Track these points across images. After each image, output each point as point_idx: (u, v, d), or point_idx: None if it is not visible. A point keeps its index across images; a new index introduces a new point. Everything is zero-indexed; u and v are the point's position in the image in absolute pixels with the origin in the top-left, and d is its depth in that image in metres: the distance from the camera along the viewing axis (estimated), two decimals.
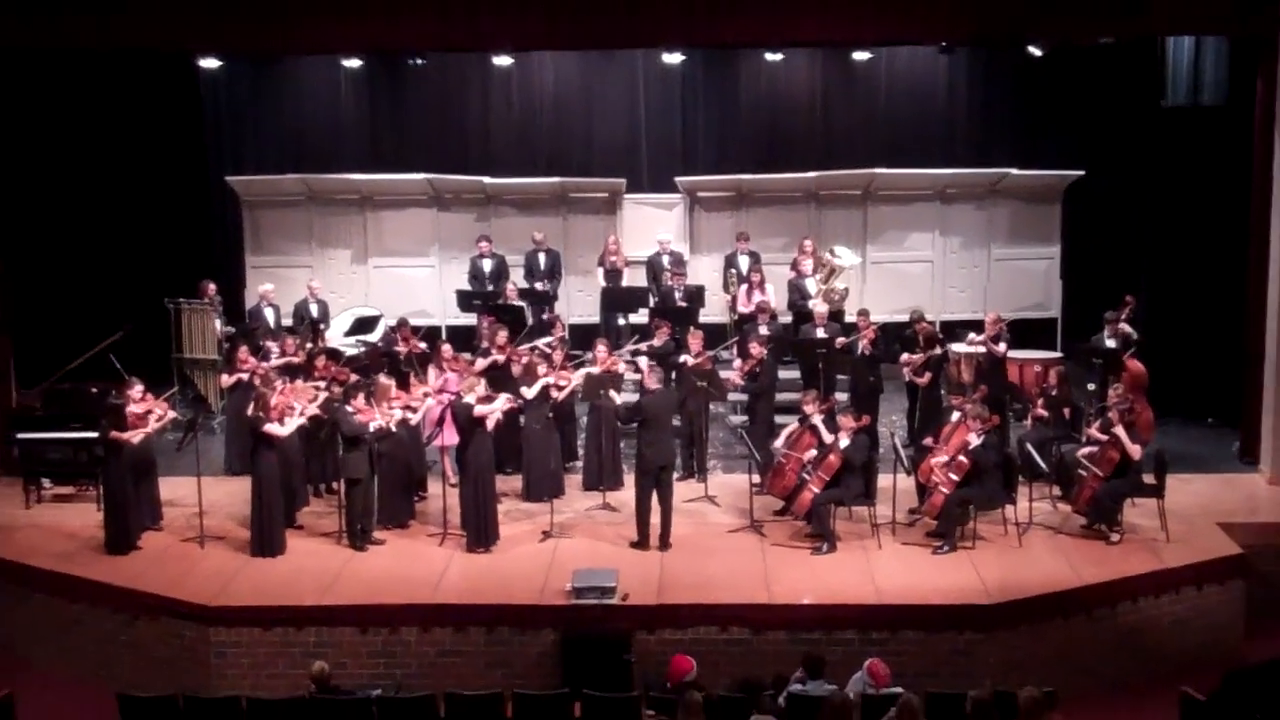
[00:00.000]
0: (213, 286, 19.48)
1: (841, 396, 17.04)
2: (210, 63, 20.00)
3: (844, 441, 14.88)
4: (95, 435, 15.77)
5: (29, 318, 18.74)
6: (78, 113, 19.61)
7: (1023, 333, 19.17)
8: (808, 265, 19.18)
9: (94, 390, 17.20)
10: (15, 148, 18.42)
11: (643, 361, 16.71)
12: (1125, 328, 17.64)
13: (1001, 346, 17.39)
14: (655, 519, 14.92)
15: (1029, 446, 15.55)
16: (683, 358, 16.80)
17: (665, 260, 19.61)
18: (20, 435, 17.10)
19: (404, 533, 15.63)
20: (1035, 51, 18.86)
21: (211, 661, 13.78)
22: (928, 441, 15.46)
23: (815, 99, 21.82)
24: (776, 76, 21.50)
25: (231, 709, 12.06)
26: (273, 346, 17.45)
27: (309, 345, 17.82)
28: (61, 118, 19.41)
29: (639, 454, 15.16)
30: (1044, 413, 16.29)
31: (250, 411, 15.10)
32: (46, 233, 19.26)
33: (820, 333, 17.71)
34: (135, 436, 15.22)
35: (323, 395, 15.82)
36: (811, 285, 18.99)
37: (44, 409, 17.32)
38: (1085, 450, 15.30)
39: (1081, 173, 20.54)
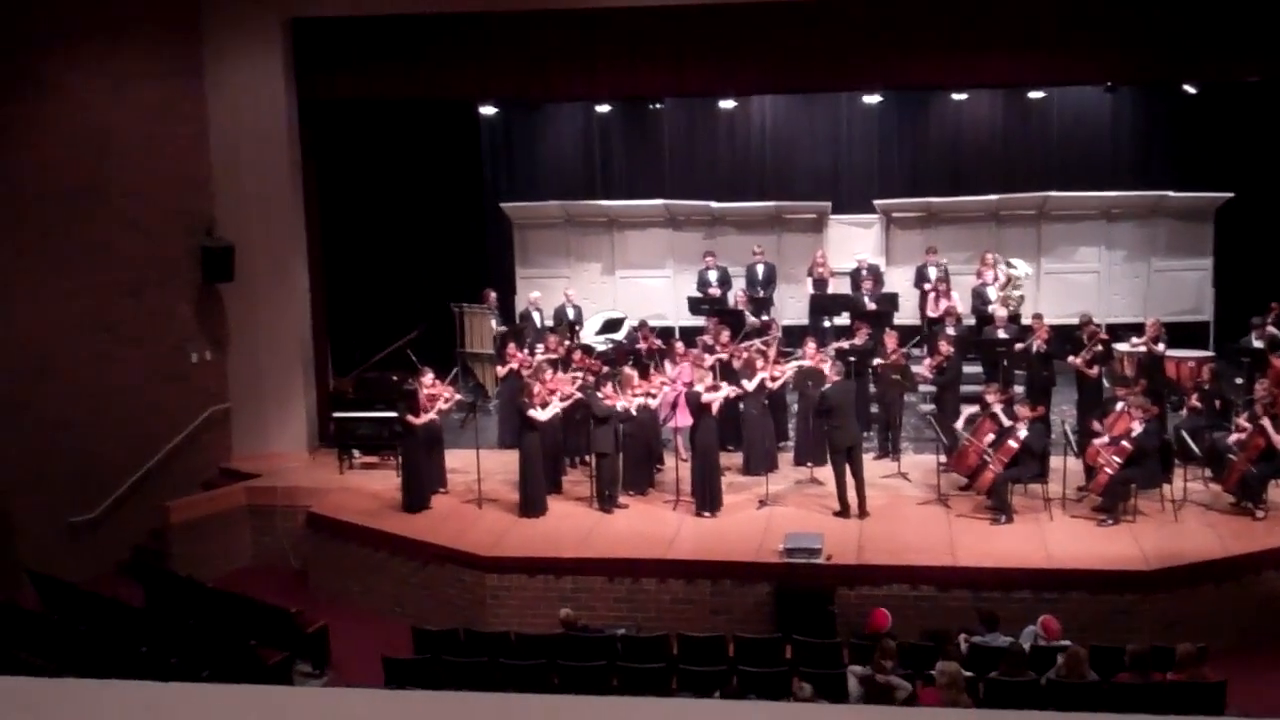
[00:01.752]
0: (493, 294, 19.74)
1: (1019, 389, 16.63)
2: (488, 109, 20.53)
3: (1022, 428, 14.54)
4: (395, 415, 16.17)
5: (344, 320, 19.25)
6: (382, 152, 20.09)
7: (1179, 334, 18.44)
8: (989, 275, 18.78)
9: (394, 378, 17.56)
10: (336, 182, 18.94)
11: (828, 357, 16.51)
12: (1271, 330, 16.99)
13: (1160, 346, 16.95)
14: (852, 492, 14.77)
15: (1184, 433, 15.02)
16: (877, 356, 16.63)
17: (863, 272, 19.33)
18: (336, 414, 17.64)
19: (644, 499, 15.69)
20: (1190, 89, 18.28)
21: (487, 602, 14.03)
22: (1095, 426, 15.02)
23: (996, 131, 21.30)
24: (961, 113, 21.06)
25: (503, 642, 12.27)
26: (537, 344, 17.66)
27: (567, 342, 18.00)
28: (370, 156, 19.91)
29: (829, 436, 15.05)
30: (1198, 404, 15.69)
31: (519, 397, 15.34)
32: (356, 250, 19.76)
33: (1000, 333, 17.39)
34: (424, 419, 15.54)
35: (578, 383, 15.98)
36: (992, 292, 18.56)
37: (355, 393, 17.76)
38: (1234, 437, 14.75)
39: (1231, 194, 19.69)
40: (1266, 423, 14.27)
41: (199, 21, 17.43)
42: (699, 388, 15.13)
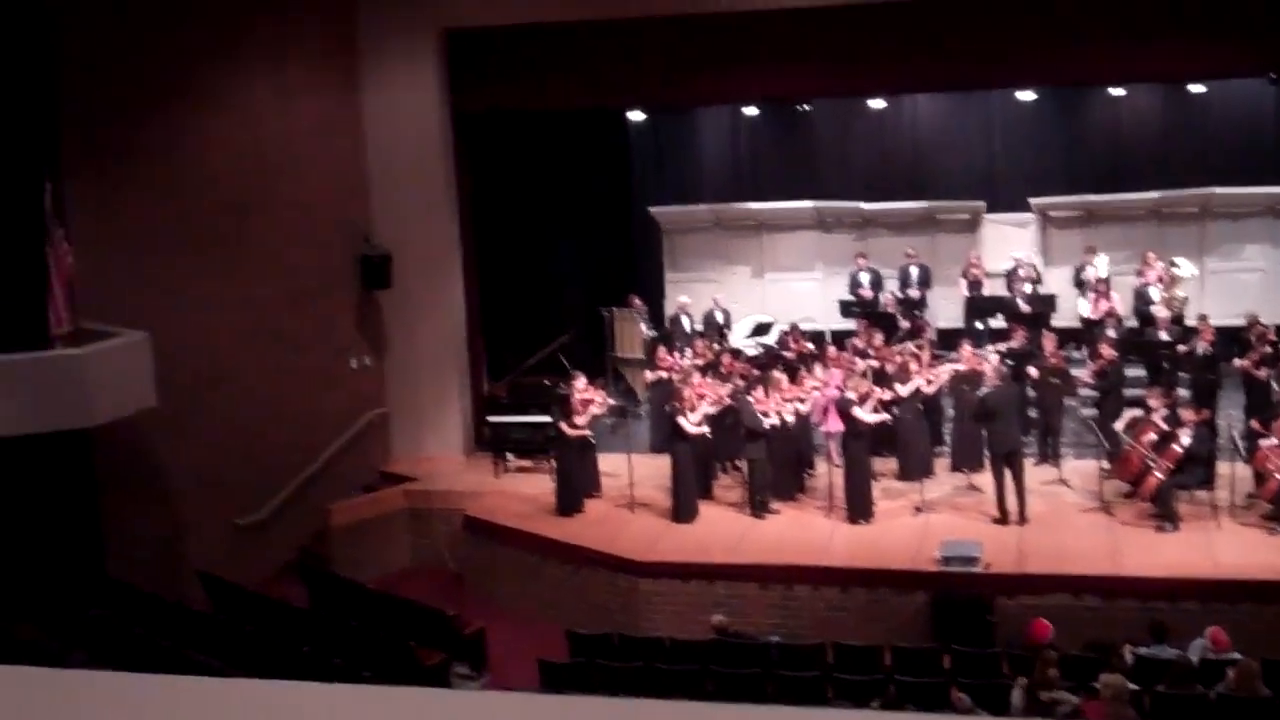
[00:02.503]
0: (638, 299, 19.80)
1: (1183, 393, 16.13)
2: (636, 115, 20.57)
3: (1186, 433, 14.11)
4: (548, 419, 16.29)
5: (497, 325, 19.47)
6: (534, 160, 20.28)
7: None
8: (1151, 275, 18.25)
9: (547, 382, 17.75)
10: (489, 190, 19.18)
11: (985, 359, 16.18)
12: None
13: None
14: (1012, 497, 14.46)
15: None
16: (1035, 359, 16.26)
17: (1019, 272, 18.93)
18: (490, 419, 17.87)
19: (796, 504, 15.59)
20: None
21: (640, 607, 14.08)
22: (1260, 427, 14.53)
23: (1155, 127, 20.63)
24: (1120, 108, 20.42)
25: (657, 647, 12.30)
26: (687, 348, 17.66)
27: (716, 346, 17.96)
28: (522, 164, 20.11)
29: (988, 442, 14.81)
30: None
31: (669, 403, 15.37)
32: (509, 257, 19.99)
33: (1163, 335, 16.92)
34: (579, 425, 15.64)
35: (728, 389, 15.92)
36: (1155, 293, 18.04)
37: (509, 398, 17.98)
38: None
39: None
40: None
41: (357, 35, 17.85)
42: (850, 394, 14.95)
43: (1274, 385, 16.12)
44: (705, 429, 15.39)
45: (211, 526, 16.29)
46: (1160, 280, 18.11)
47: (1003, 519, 14.46)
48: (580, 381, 16.16)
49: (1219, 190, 19.48)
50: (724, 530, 14.92)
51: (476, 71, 17.96)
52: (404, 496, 17.18)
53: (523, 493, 16.62)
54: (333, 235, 17.63)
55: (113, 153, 15.29)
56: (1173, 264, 18.19)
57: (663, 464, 15.89)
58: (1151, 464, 14.23)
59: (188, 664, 11.90)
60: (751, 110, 20.98)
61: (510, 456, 17.61)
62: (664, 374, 16.97)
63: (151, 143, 15.67)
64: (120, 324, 14.46)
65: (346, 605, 14.10)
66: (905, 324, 18.43)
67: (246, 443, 16.56)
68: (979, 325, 19.07)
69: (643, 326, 19.60)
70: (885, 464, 16.05)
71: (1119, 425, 14.96)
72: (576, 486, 15.83)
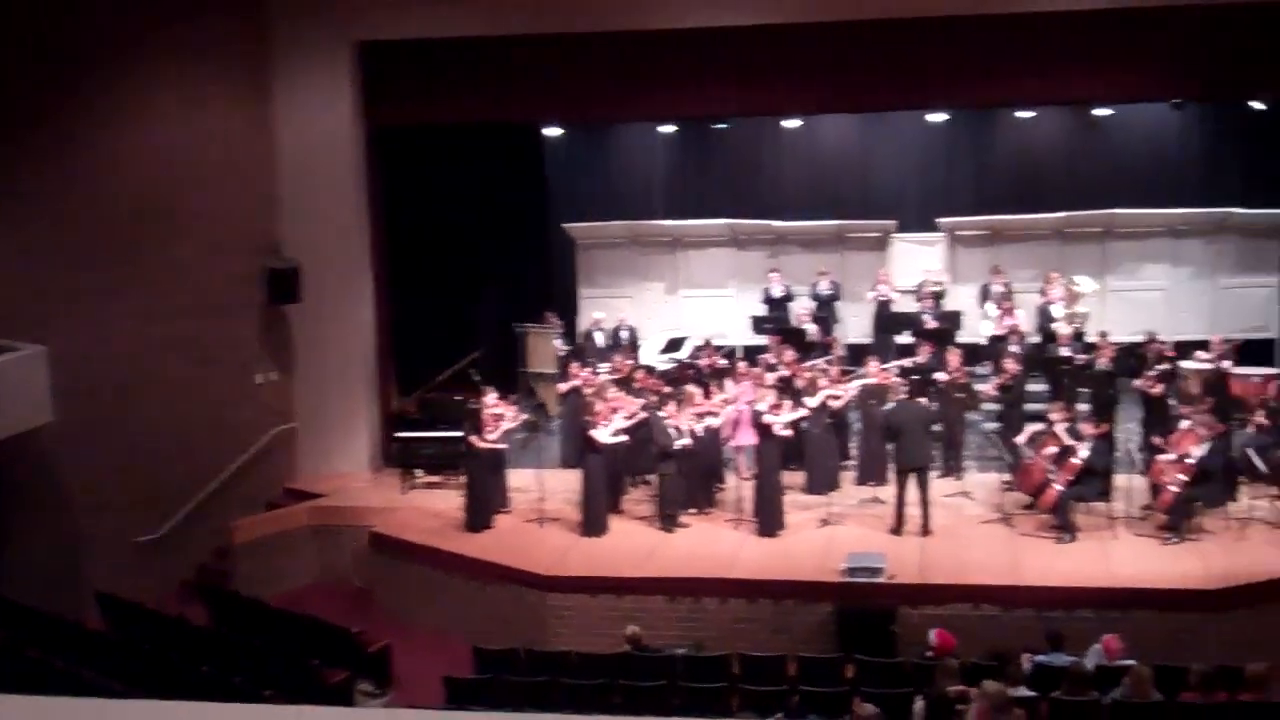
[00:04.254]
0: (552, 315, 19.88)
1: (1083, 407, 16.49)
2: (552, 131, 20.72)
3: (1085, 446, 14.47)
4: (458, 434, 16.28)
5: (409, 340, 19.43)
6: (447, 174, 20.26)
7: (1245, 351, 18.21)
8: (1054, 293, 18.67)
9: (457, 398, 17.72)
10: (402, 204, 19.18)
11: (891, 375, 16.45)
12: None
13: (1226, 363, 16.83)
14: (915, 510, 14.71)
15: (1250, 451, 14.90)
16: (939, 374, 16.58)
17: (926, 289, 19.22)
18: (399, 434, 17.82)
19: (705, 518, 15.72)
20: (1257, 105, 18.17)
21: (549, 622, 14.10)
22: (1156, 441, 14.96)
23: (1061, 149, 21.09)
24: (1027, 131, 20.86)
25: (564, 661, 12.33)
26: (600, 363, 17.77)
27: (629, 362, 18.08)
28: (435, 178, 20.10)
29: (895, 456, 15.09)
30: (1264, 421, 15.43)
31: (581, 417, 15.46)
32: (421, 271, 19.97)
33: (1065, 351, 17.33)
34: (489, 440, 15.67)
35: (640, 403, 16.05)
36: (1057, 310, 18.46)
37: (418, 413, 17.92)
38: None
39: None
40: None
41: (270, 46, 17.77)
42: (761, 406, 15.14)
43: (1170, 401, 16.60)
44: (621, 438, 15.52)
45: (110, 544, 16.10)
46: (1063, 298, 18.52)
47: (897, 530, 14.73)
48: (491, 396, 16.18)
49: (1121, 211, 19.97)
50: (634, 544, 15.01)
51: (391, 85, 17.96)
52: (309, 513, 17.08)
53: (431, 508, 16.59)
54: (241, 248, 17.51)
55: (5, 161, 15.09)
56: (1074, 282, 18.65)
57: (573, 479, 15.97)
58: (1051, 476, 14.56)
59: (84, 686, 11.75)
60: (668, 128, 21.17)
61: (419, 472, 17.57)
62: (576, 385, 17.06)
63: (49, 151, 15.51)
64: (19, 337, 14.28)
65: (248, 623, 13.98)
66: (816, 339, 18.69)
67: (149, 458, 16.41)
68: (890, 341, 19.35)
69: (556, 342, 19.65)
70: (792, 478, 16.21)
71: (1020, 439, 15.31)
72: (486, 502, 15.84)
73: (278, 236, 17.92)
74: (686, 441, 15.21)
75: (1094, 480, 14.56)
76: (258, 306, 17.78)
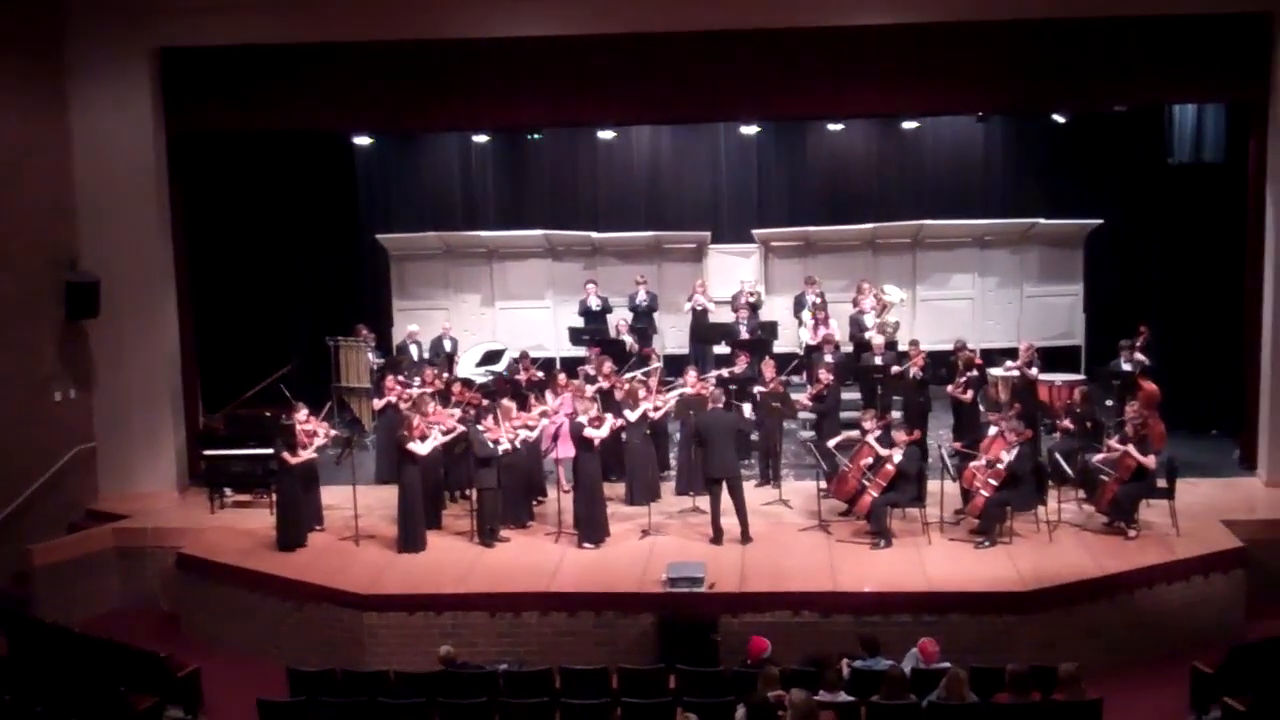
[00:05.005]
0: (365, 328, 19.64)
1: (896, 414, 16.91)
2: (363, 140, 20.45)
3: (898, 453, 14.80)
4: (270, 451, 15.93)
5: (214, 356, 18.96)
6: (253, 183, 19.89)
7: (1051, 358, 19.05)
8: (866, 303, 19.09)
9: (267, 414, 17.33)
10: (206, 212, 18.73)
11: (709, 385, 16.61)
12: (1139, 355, 17.43)
13: (1033, 370, 17.35)
14: (733, 519, 14.87)
15: (1058, 456, 15.48)
16: (757, 386, 16.83)
17: (742, 300, 19.44)
18: (207, 452, 17.34)
19: (525, 532, 15.65)
20: (1059, 118, 18.88)
21: (365, 641, 13.86)
22: (960, 446, 15.46)
23: (871, 161, 21.61)
24: (838, 143, 21.33)
25: (381, 681, 12.15)
26: (416, 377, 17.55)
27: (445, 375, 17.93)
28: (241, 187, 19.71)
29: (703, 464, 15.24)
30: (1070, 426, 16.07)
31: (398, 431, 15.27)
32: (228, 284, 19.54)
33: (878, 360, 17.66)
34: (301, 457, 15.38)
35: (457, 416, 15.94)
36: (869, 319, 18.88)
37: (226, 429, 17.46)
38: (1103, 457, 15.17)
39: (1100, 221, 20.24)
40: (1131, 447, 14.75)
41: (64, 52, 17.10)
42: (582, 419, 15.14)
43: (980, 407, 17.12)
44: (436, 451, 15.39)
45: None
46: (874, 308, 18.96)
47: (717, 539, 14.87)
48: (302, 412, 15.88)
49: (929, 222, 20.57)
50: (453, 560, 14.86)
51: (193, 92, 17.43)
52: (113, 535, 16.49)
53: (241, 528, 16.18)
54: (35, 261, 16.82)
55: None
56: (883, 291, 19.12)
57: (390, 495, 15.78)
58: (866, 483, 14.88)
59: None
60: (481, 138, 21.08)
61: (228, 491, 17.15)
62: (391, 400, 16.85)
63: None
64: None
65: (50, 650, 13.44)
66: (634, 350, 18.80)
67: None
68: (706, 351, 19.55)
69: (370, 355, 19.41)
70: (613, 489, 16.27)
71: (833, 443, 15.62)
72: (299, 520, 15.52)
73: (76, 249, 17.28)
74: (506, 447, 15.12)
75: (907, 486, 14.86)
76: (56, 321, 17.11)
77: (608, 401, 16.44)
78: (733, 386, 16.65)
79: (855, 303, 19.36)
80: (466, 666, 12.37)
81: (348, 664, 13.05)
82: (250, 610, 14.89)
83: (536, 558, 14.82)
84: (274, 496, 15.95)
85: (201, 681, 13.02)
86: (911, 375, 17.11)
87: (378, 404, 17.34)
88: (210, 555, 15.46)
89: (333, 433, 16.40)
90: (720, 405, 15.40)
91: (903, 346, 18.09)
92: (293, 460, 15.31)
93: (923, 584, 13.64)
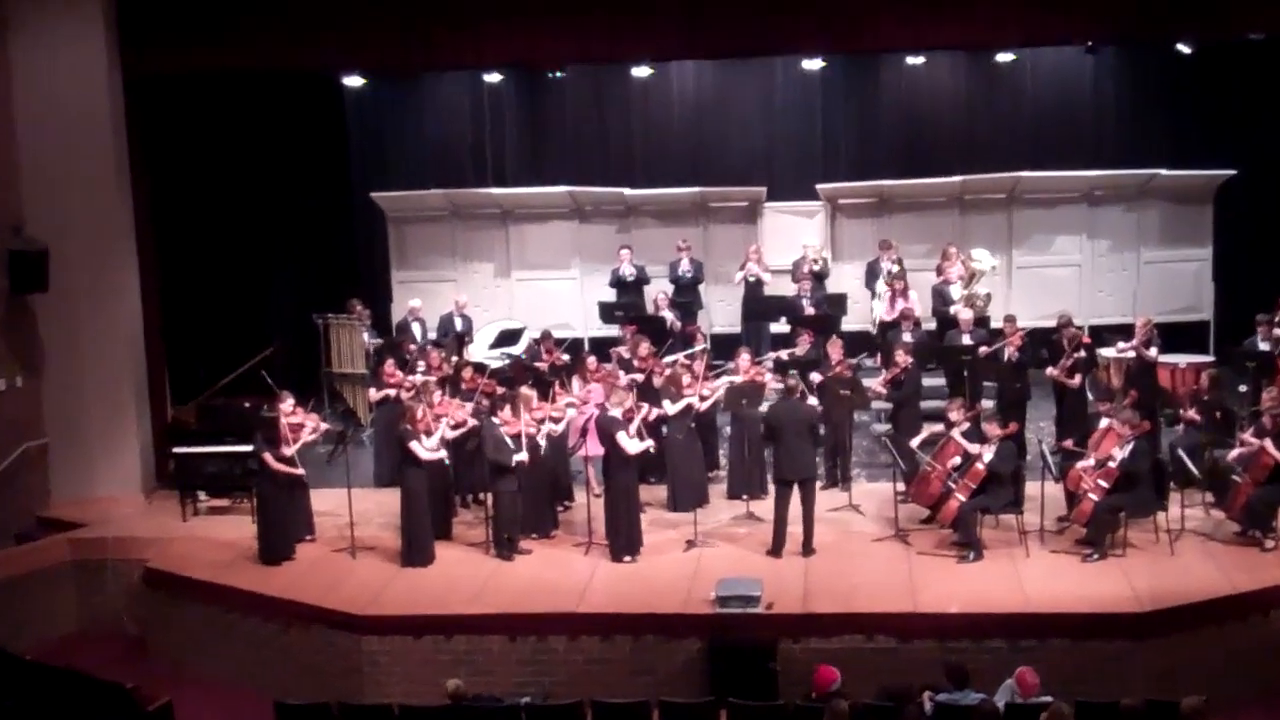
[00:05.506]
0: (359, 304, 19.77)
1: (988, 403, 16.96)
2: (353, 80, 20.32)
3: (990, 450, 14.86)
4: (250, 449, 16.15)
5: (186, 335, 19.22)
6: (226, 134, 20.07)
7: (1174, 336, 18.94)
8: (953, 271, 19.14)
9: (246, 405, 17.59)
10: (171, 169, 18.96)
11: (766, 370, 16.75)
12: (1279, 331, 17.40)
13: (1152, 351, 17.26)
14: (797, 528, 15.01)
15: (1181, 452, 15.42)
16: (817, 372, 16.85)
17: (804, 269, 19.54)
18: (176, 450, 17.58)
19: (549, 542, 15.86)
20: (1184, 49, 18.56)
21: (364, 669, 14.07)
22: (1069, 444, 15.47)
23: (958, 102, 21.61)
24: (918, 80, 21.30)
25: (384, 716, 12.34)
26: (419, 361, 17.74)
27: (455, 359, 18.10)
28: (211, 139, 19.89)
29: (774, 465, 15.32)
30: (1196, 417, 15.97)
31: (399, 425, 15.45)
32: (197, 250, 19.76)
33: (965, 339, 17.66)
34: (286, 455, 15.60)
35: (469, 408, 16.09)
36: (955, 291, 18.92)
37: (199, 424, 17.73)
38: (1238, 454, 15.08)
39: (1233, 172, 20.21)
40: (1268, 443, 14.64)
41: None
42: (615, 411, 15.24)
43: (1089, 395, 17.09)
44: (443, 454, 15.58)
45: None
46: (961, 277, 18.99)
47: (776, 551, 15.01)
48: (288, 403, 16.07)
49: (1028, 174, 20.55)
50: (464, 575, 15.04)
51: (154, 27, 17.64)
52: (69, 546, 16.79)
53: (218, 538, 16.45)
54: None
55: None
56: (972, 257, 19.11)
57: (391, 499, 15.99)
58: (952, 485, 14.97)
59: None
60: (494, 77, 21.05)
61: (202, 495, 17.42)
62: (392, 391, 17.05)
63: None
64: None
65: None
66: (676, 329, 18.91)
67: None
68: (761, 330, 19.70)
69: (365, 335, 19.58)
70: (653, 492, 16.49)
71: (915, 442, 15.71)
72: (284, 529, 15.75)
73: (19, 212, 17.55)
74: (523, 457, 15.29)
75: (1001, 489, 14.92)
76: None
77: (645, 390, 16.57)
78: (793, 371, 16.71)
79: (939, 271, 19.41)
80: (480, 701, 12.57)
81: (343, 696, 13.22)
82: (229, 633, 15.15)
83: (563, 573, 14.99)
84: (255, 501, 16.18)
85: (174, 716, 13.26)
86: (1006, 357, 17.16)
87: (375, 395, 17.50)
88: (181, 570, 15.71)
89: (323, 426, 16.56)
90: (798, 395, 15.44)
91: (996, 323, 18.16)
92: (275, 464, 15.52)
93: (1020, 603, 13.71)
